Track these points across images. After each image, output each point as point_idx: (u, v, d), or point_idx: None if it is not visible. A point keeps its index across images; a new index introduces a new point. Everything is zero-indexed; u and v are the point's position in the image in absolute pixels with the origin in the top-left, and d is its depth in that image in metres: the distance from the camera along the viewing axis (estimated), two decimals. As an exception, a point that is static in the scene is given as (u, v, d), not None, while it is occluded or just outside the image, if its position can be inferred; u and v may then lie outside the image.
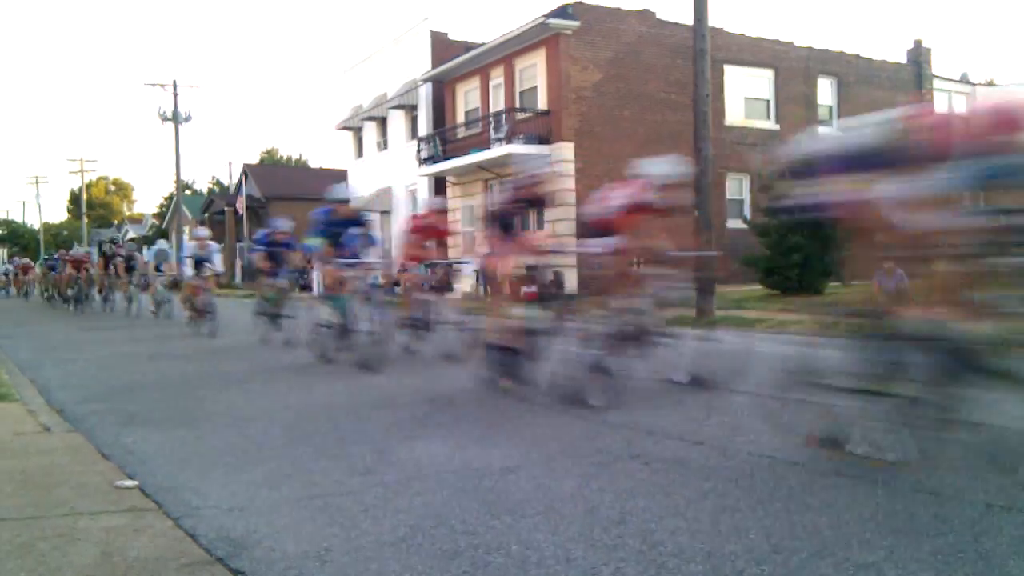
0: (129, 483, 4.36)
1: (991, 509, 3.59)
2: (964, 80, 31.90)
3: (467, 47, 27.53)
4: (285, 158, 76.34)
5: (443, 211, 10.96)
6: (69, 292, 22.96)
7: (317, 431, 5.67)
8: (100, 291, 22.56)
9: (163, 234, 55.43)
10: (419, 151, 28.23)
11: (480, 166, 25.18)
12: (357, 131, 35.08)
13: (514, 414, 6.22)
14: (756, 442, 4.97)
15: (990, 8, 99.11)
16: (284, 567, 3.13)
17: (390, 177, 31.69)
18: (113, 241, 26.81)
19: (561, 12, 22.70)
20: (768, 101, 26.47)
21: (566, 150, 22.83)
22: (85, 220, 65.55)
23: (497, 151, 23.71)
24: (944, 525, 3.40)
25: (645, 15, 24.36)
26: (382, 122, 32.97)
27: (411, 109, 30.66)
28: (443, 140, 27.55)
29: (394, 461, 4.75)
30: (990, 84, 34.25)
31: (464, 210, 27.56)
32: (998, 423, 4.86)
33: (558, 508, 3.77)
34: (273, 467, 4.68)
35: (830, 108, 27.62)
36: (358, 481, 4.33)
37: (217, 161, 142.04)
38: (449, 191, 27.88)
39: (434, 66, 28.25)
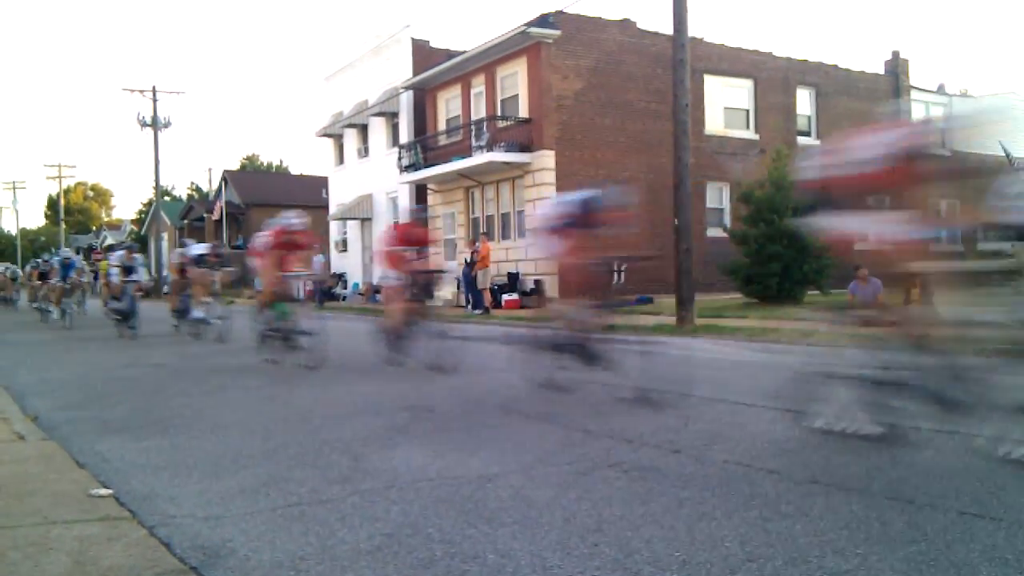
0: (104, 492, 4.32)
1: (964, 517, 3.63)
2: (941, 91, 32.33)
3: (449, 55, 27.58)
4: (266, 164, 76.11)
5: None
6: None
7: (294, 439, 5.64)
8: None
9: (142, 240, 55.04)
10: (400, 158, 28.21)
11: (461, 174, 25.19)
12: (338, 138, 35.02)
13: (492, 422, 6.21)
14: (733, 451, 4.99)
15: (967, 21, 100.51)
16: (259, 576, 3.11)
17: (371, 184, 31.65)
18: (91, 248, 26.32)
19: (542, 21, 22.78)
20: (747, 111, 26.69)
21: (547, 158, 22.89)
22: (63, 226, 64.99)
23: (478, 159, 23.75)
24: (917, 533, 3.43)
25: (626, 25, 24.49)
26: (363, 129, 32.95)
27: (392, 116, 30.66)
28: (424, 148, 27.55)
29: (371, 469, 4.73)
30: (965, 95, 34.69)
31: (445, 218, 27.56)
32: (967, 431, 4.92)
33: (535, 516, 3.77)
34: (249, 476, 4.65)
35: (809, 118, 27.91)
36: (335, 490, 4.31)
37: (197, 167, 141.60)
38: (430, 198, 27.87)
39: (415, 74, 28.26)
